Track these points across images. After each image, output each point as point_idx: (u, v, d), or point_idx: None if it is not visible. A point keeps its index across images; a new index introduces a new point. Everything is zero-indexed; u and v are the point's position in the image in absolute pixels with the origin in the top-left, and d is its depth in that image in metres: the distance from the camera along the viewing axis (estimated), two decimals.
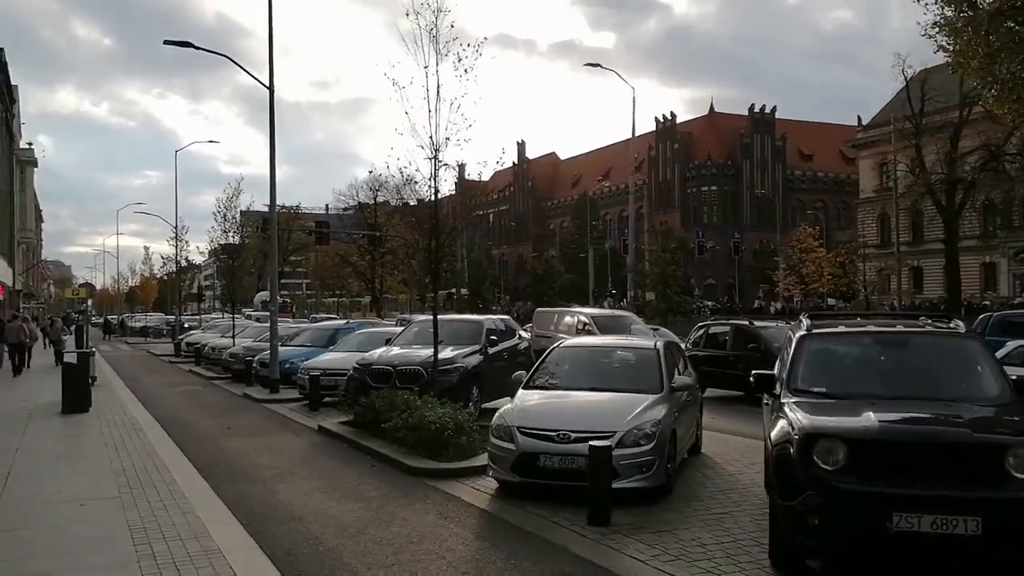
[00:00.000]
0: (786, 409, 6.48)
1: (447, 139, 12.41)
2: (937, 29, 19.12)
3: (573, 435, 8.36)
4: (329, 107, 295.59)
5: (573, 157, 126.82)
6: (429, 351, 14.48)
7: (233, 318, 29.42)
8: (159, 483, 9.46)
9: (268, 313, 53.32)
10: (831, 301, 52.61)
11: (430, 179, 12.75)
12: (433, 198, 12.93)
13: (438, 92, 12.34)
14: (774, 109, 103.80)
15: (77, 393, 16.30)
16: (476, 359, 14.73)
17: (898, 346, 7.29)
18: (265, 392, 19.65)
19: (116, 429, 14.00)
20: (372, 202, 64.59)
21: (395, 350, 15.20)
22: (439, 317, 18.57)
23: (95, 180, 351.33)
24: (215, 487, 9.52)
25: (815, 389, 6.74)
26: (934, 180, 38.40)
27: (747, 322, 19.23)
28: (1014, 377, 6.98)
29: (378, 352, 15.14)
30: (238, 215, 28.45)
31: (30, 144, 63.72)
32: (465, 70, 12.13)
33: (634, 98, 37.26)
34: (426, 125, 12.39)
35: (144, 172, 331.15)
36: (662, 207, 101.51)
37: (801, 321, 7.92)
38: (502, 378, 15.87)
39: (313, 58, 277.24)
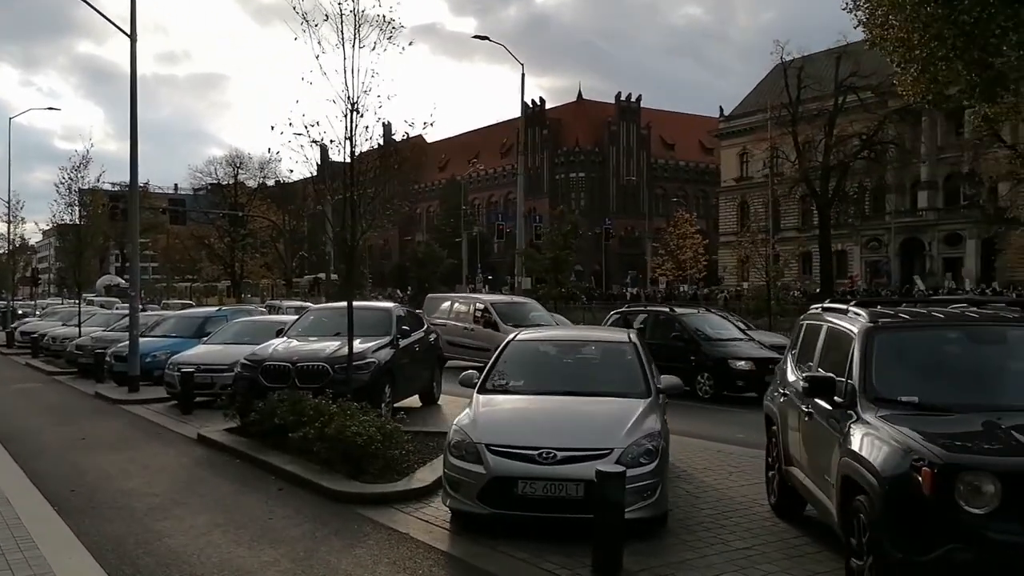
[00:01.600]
0: (878, 425, 5.00)
1: (366, 91, 10.53)
2: (856, 5, 18.64)
3: (559, 454, 6.65)
4: (177, 81, 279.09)
5: (440, 140, 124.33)
6: (331, 344, 12.45)
7: (80, 304, 25.87)
8: None
9: (112, 300, 48.95)
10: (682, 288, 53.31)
11: (346, 137, 10.82)
12: (349, 155, 10.95)
13: (356, 35, 10.44)
14: (639, 98, 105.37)
15: None
16: (387, 353, 12.71)
17: (994, 342, 5.95)
18: (122, 391, 16.85)
19: None
20: (233, 180, 60.42)
21: (291, 343, 12.95)
22: (337, 305, 16.57)
23: None
24: (75, 527, 7.23)
25: (904, 399, 5.28)
26: (811, 167, 39.05)
27: (667, 308, 18.09)
28: None
29: (271, 345, 12.85)
30: (82, 189, 24.77)
31: None
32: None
33: (523, 74, 35.59)
34: (339, 70, 10.46)
35: None
36: (531, 193, 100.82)
37: (849, 311, 6.46)
38: (414, 374, 14.04)
39: (159, 30, 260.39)
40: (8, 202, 42.87)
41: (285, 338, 13.46)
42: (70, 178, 23.91)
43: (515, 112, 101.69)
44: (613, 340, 8.98)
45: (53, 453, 11.21)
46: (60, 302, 53.27)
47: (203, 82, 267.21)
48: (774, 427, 7.68)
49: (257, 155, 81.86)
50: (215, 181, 63.15)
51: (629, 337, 8.89)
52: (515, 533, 6.67)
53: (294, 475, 9.06)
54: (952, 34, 16.37)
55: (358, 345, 12.26)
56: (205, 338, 17.99)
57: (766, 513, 7.52)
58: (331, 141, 11.09)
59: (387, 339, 13.04)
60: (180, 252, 76.66)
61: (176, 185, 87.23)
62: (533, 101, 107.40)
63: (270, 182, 67.23)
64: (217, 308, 20.90)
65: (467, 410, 7.67)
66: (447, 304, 24.69)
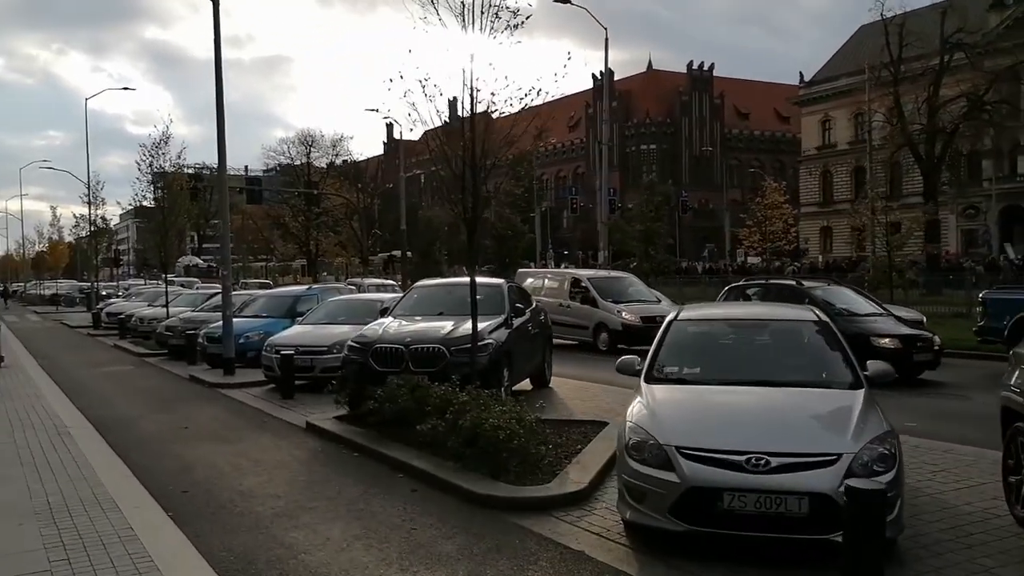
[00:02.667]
0: None
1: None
2: None
3: (773, 460, 5.44)
4: (243, 65, 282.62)
5: (505, 115, 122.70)
6: (444, 324, 11.44)
7: (166, 284, 25.50)
8: (107, 535, 6.19)
9: (191, 279, 49.05)
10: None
11: (464, 98, 9.84)
12: (470, 114, 9.97)
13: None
14: (712, 67, 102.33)
15: None
16: (503, 333, 11.61)
17: None
18: (217, 374, 16.19)
19: (33, 434, 10.51)
20: (306, 159, 60.25)
21: (400, 323, 11.94)
22: (442, 281, 15.57)
23: None
24: (195, 539, 6.32)
25: None
26: (915, 130, 36.63)
27: (794, 282, 16.60)
28: None
29: (380, 327, 11.84)
30: (165, 166, 24.27)
31: None
32: None
33: (607, 39, 34.04)
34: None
35: (46, 132, 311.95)
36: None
37: None
38: (529, 356, 12.96)
39: (224, 13, 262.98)
40: (88, 183, 43.26)
41: (391, 318, 12.48)
42: (151, 155, 23.45)
43: (579, 86, 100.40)
44: (799, 319, 7.65)
45: (155, 444, 10.46)
46: (143, 283, 53.91)
47: (268, 65, 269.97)
48: (1019, 424, 6.35)
49: (329, 134, 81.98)
50: (288, 160, 63.10)
51: (817, 315, 7.58)
52: (709, 553, 5.53)
53: (425, 473, 8.05)
54: None
55: (465, 326, 11.31)
56: (299, 318, 17.28)
57: (1010, 527, 6.19)
58: (452, 98, 10.02)
59: (501, 318, 11.93)
60: (254, 232, 77.38)
61: (246, 167, 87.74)
62: (601, 72, 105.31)
63: (339, 161, 67.07)
64: (308, 287, 20.15)
65: (637, 403, 6.50)
66: (537, 280, 23.58)
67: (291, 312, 18.20)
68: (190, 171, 44.82)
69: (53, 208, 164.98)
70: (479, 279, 16.45)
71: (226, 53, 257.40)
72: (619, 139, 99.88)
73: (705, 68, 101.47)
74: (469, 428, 7.94)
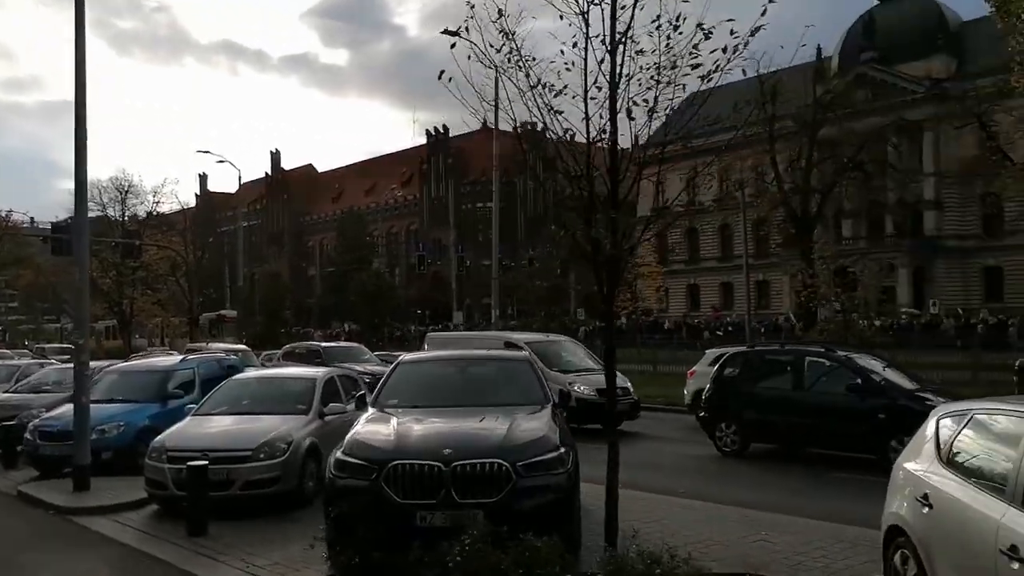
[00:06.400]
0: None
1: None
2: None
3: None
4: (25, 109, 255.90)
5: (333, 169, 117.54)
6: (485, 424, 7.63)
7: None
8: None
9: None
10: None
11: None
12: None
13: None
14: (544, 127, 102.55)
15: None
16: (568, 438, 7.84)
17: None
18: (63, 489, 11.02)
19: None
20: (120, 206, 53.09)
21: (406, 421, 7.73)
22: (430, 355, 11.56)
23: None
24: None
25: None
26: (789, 189, 36.32)
27: (823, 349, 13.86)
28: None
29: (383, 426, 7.61)
30: None
31: None
32: None
33: (496, 78, 30.52)
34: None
35: None
36: (436, 223, 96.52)
37: None
38: None
39: (6, 56, 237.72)
40: None
41: (375, 410, 8.34)
42: None
43: (396, 145, 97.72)
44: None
45: None
46: None
47: (55, 110, 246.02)
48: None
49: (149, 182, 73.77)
50: (99, 210, 55.22)
51: None
52: None
53: None
54: None
55: (523, 424, 7.58)
56: (172, 402, 12.68)
57: None
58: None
59: (547, 411, 8.17)
60: (44, 289, 67.83)
61: (32, 217, 76.88)
62: (436, 129, 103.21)
63: (160, 210, 59.90)
64: (181, 358, 15.20)
65: None
66: (457, 345, 19.68)
67: (160, 394, 13.40)
68: None
69: None
70: (504, 353, 12.41)
71: (7, 96, 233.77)
72: (455, 196, 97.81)
73: (539, 127, 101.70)
74: None
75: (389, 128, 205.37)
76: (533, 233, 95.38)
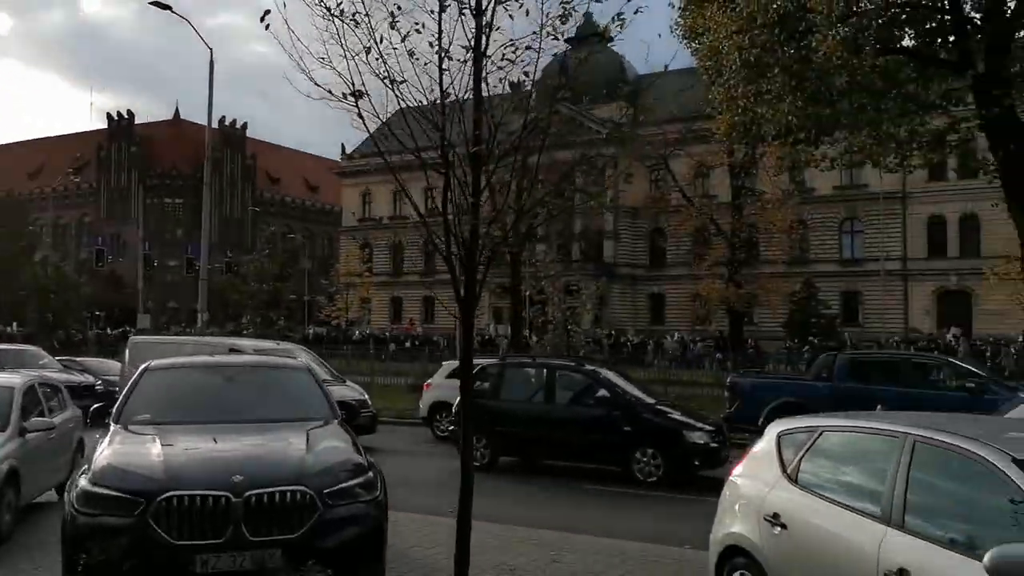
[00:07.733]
0: None
1: None
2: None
3: None
4: None
5: None
6: (273, 440, 6.51)
7: None
8: None
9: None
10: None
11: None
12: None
13: None
14: (245, 125, 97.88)
15: None
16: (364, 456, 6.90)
17: None
18: None
19: None
20: None
21: (170, 442, 6.23)
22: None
23: None
24: None
25: None
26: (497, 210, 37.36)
27: (573, 363, 13.88)
28: None
29: (137, 447, 6.08)
30: None
31: None
32: None
33: (211, 60, 28.47)
34: None
35: None
36: (115, 217, 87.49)
37: None
38: None
39: None
40: None
41: (121, 426, 6.76)
42: None
43: (71, 127, 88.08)
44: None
45: None
46: None
47: None
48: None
49: None
50: None
51: None
52: None
53: None
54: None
55: (322, 443, 6.64)
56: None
57: None
58: None
59: (337, 427, 7.18)
60: None
61: None
62: (119, 114, 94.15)
63: None
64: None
65: None
66: (168, 349, 17.43)
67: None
68: None
69: None
70: (282, 362, 10.73)
71: None
72: (140, 189, 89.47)
73: (238, 125, 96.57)
74: None
75: (63, 109, 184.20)
76: (230, 235, 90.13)
